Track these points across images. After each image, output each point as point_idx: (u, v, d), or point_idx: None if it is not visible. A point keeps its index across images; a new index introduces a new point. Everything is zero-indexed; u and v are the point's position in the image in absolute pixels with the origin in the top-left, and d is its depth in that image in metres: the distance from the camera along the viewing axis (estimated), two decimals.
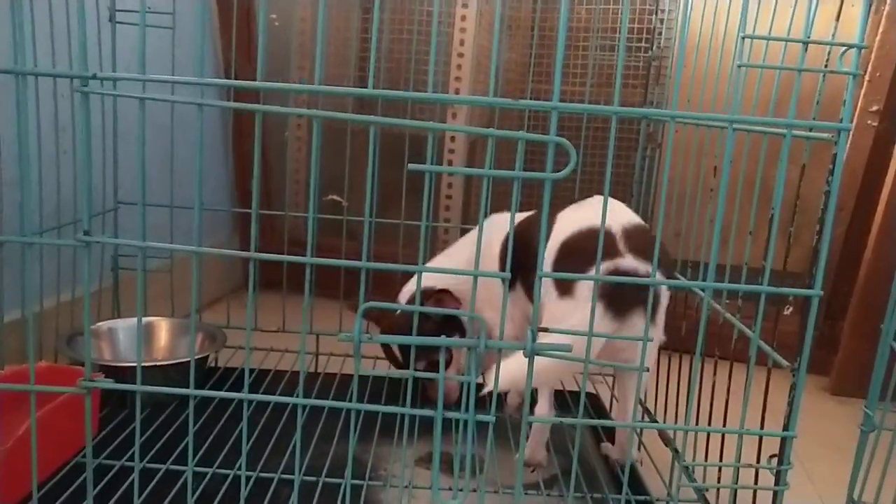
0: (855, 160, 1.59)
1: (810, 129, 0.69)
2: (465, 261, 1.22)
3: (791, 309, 1.62)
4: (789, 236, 0.79)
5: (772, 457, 0.73)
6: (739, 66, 0.64)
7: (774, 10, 0.78)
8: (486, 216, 0.74)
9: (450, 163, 1.96)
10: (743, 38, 0.64)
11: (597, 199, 1.09)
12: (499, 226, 1.08)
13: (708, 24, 1.04)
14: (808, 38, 0.67)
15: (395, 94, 0.63)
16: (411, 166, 0.64)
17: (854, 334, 1.56)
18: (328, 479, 0.96)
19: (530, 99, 2.00)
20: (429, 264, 1.26)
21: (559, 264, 0.96)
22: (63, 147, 1.22)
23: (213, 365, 1.31)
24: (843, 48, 0.64)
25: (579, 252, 0.95)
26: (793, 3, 0.72)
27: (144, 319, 1.30)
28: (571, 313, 0.91)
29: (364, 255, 0.67)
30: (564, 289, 0.94)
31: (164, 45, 1.33)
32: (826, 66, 0.68)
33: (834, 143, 0.66)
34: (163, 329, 1.30)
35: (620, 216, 0.99)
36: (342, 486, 0.91)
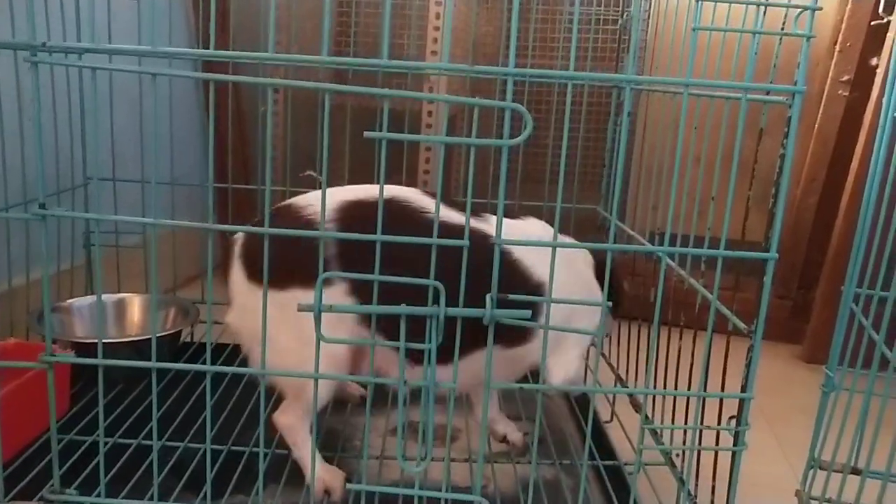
0: (826, 130, 1.59)
1: (767, 93, 0.69)
2: None
3: None
4: (748, 201, 0.80)
5: (731, 418, 0.74)
6: (695, 30, 0.64)
7: None
8: (443, 183, 0.74)
9: (428, 149, 1.94)
10: (698, 1, 0.64)
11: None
12: None
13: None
14: (764, 1, 0.67)
15: (342, 60, 0.63)
16: (367, 134, 0.64)
17: (826, 303, 1.58)
18: None
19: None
20: None
21: None
22: (28, 121, 1.20)
23: (187, 340, 1.31)
24: (799, 10, 0.64)
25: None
26: None
27: (117, 296, 1.30)
28: None
29: (322, 227, 0.67)
30: None
31: (133, 15, 1.31)
32: (783, 29, 0.68)
33: (789, 106, 0.67)
34: (135, 305, 1.29)
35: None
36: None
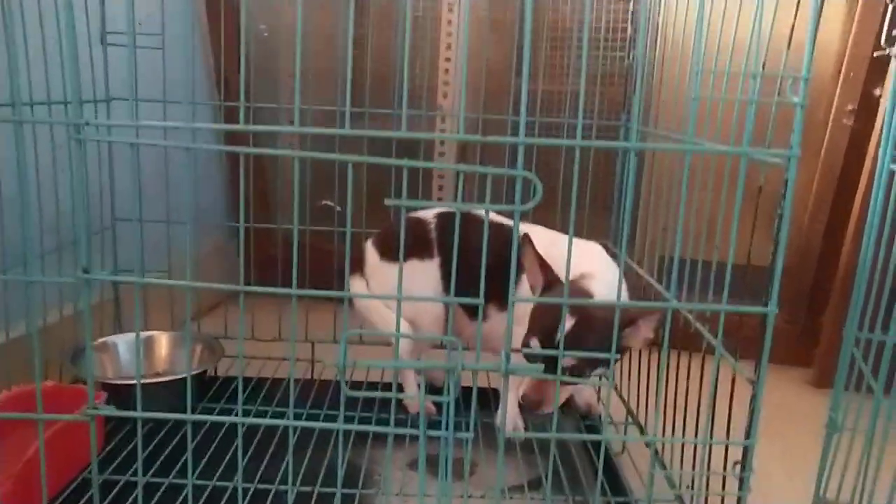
0: (832, 157, 1.62)
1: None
2: None
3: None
4: (751, 235, 0.83)
5: (735, 464, 0.77)
6: (695, 100, 0.68)
7: (734, 37, 0.82)
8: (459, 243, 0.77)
9: (441, 176, 1.99)
10: (697, 73, 0.68)
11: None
12: None
13: (680, 31, 1.07)
14: (763, 66, 0.71)
15: (372, 133, 0.67)
16: (388, 202, 0.68)
17: (834, 327, 1.61)
18: (322, 489, 1.01)
19: (515, 99, 2.04)
20: None
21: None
22: (60, 165, 1.25)
23: (213, 375, 1.35)
24: (791, 79, 0.68)
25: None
26: (749, 33, 0.75)
27: (145, 333, 1.35)
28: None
29: (346, 286, 0.71)
30: None
31: (157, 63, 1.36)
32: (779, 93, 0.72)
33: (786, 168, 0.70)
34: (163, 342, 1.34)
35: None
36: (335, 496, 0.96)
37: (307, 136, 1.64)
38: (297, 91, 0.67)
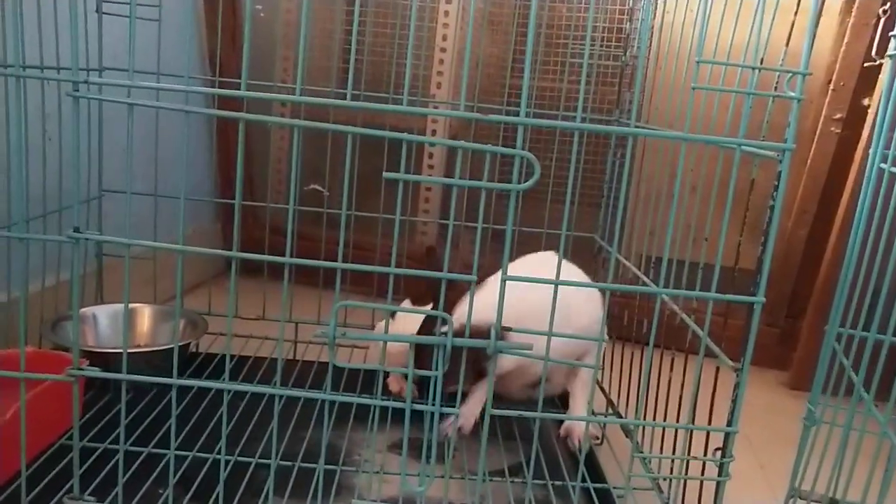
0: (818, 165, 1.65)
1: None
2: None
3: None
4: (740, 235, 0.84)
5: (716, 450, 0.78)
6: (693, 89, 0.69)
7: (734, 32, 0.83)
8: (455, 220, 0.78)
9: (430, 156, 2.01)
10: (698, 62, 0.69)
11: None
12: None
13: (677, 32, 1.09)
14: (761, 62, 0.72)
15: (372, 107, 0.67)
16: (386, 175, 0.68)
17: (812, 332, 1.63)
18: (303, 464, 1.01)
19: (509, 94, 2.05)
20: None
21: None
22: (49, 133, 1.24)
23: (194, 350, 1.34)
24: (790, 75, 0.69)
25: None
26: (749, 27, 0.76)
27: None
28: None
29: (340, 256, 0.71)
30: None
31: (151, 34, 1.35)
32: (775, 89, 0.73)
33: (779, 161, 0.71)
34: (146, 315, 1.33)
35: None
36: (316, 472, 0.95)
37: (301, 115, 1.64)
38: (301, 57, 0.67)
